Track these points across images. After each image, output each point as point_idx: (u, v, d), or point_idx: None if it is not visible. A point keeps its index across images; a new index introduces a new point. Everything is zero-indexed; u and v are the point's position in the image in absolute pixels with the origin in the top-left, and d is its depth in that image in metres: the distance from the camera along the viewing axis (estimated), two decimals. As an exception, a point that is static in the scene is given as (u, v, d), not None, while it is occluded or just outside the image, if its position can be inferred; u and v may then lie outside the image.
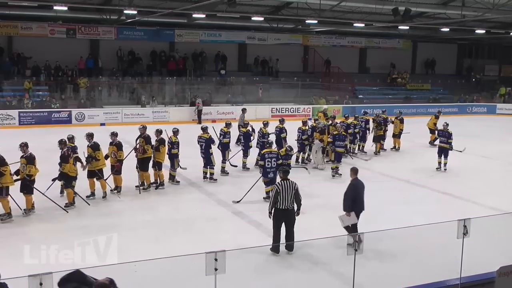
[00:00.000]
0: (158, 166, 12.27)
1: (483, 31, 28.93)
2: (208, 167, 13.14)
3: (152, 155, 12.15)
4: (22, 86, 24.34)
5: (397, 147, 18.12)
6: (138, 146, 12.04)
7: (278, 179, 9.24)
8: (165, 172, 12.61)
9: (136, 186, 12.05)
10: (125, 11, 21.65)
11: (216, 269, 5.55)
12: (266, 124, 15.10)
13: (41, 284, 4.87)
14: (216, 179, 13.20)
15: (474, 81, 37.27)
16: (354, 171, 9.02)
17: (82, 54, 26.91)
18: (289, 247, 8.28)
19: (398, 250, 8.15)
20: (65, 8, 21.34)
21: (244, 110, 18.99)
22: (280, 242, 8.23)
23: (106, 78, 27.06)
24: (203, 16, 23.56)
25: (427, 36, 33.57)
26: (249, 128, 14.96)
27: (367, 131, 17.40)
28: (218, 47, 30.29)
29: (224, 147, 13.90)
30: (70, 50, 26.46)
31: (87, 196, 11.09)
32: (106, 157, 11.53)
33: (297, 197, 8.32)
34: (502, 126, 25.84)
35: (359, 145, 17.31)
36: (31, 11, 23.98)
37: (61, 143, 10.58)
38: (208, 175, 13.17)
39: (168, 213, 10.59)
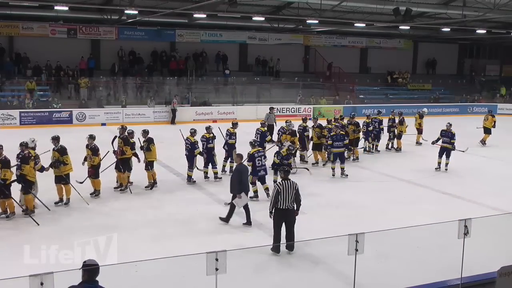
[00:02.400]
0: (150, 165, 12.15)
1: (484, 31, 28.90)
2: (211, 167, 13.10)
3: (144, 156, 12.07)
4: (23, 86, 24.39)
5: (397, 147, 18.03)
6: (116, 148, 11.84)
7: (278, 179, 9.26)
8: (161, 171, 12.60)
9: (114, 188, 11.96)
10: (126, 11, 21.68)
11: (217, 269, 5.54)
12: (289, 122, 15.36)
13: (42, 284, 4.86)
14: (221, 177, 13.20)
15: (478, 82, 37.10)
16: (240, 156, 9.93)
17: (83, 54, 26.95)
18: (290, 247, 8.28)
19: (399, 250, 8.15)
20: (66, 8, 21.37)
21: (271, 109, 19.04)
22: (281, 242, 8.23)
23: (107, 78, 27.07)
24: (204, 16, 23.57)
25: (428, 36, 33.58)
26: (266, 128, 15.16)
27: (381, 131, 17.51)
28: (219, 47, 30.32)
29: (230, 148, 13.77)
30: (71, 50, 26.51)
31: (55, 203, 10.62)
32: (85, 159, 11.32)
33: (297, 197, 8.32)
34: (503, 126, 25.73)
35: (373, 145, 17.49)
36: (32, 11, 24.03)
37: (22, 145, 10.01)
38: (211, 175, 13.13)
39: (168, 213, 10.58)
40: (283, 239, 8.28)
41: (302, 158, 15.33)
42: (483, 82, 37.19)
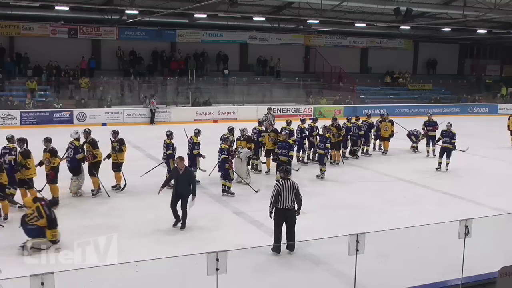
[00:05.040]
0: (120, 166, 11.87)
1: (484, 31, 28.89)
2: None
3: (115, 158, 11.79)
4: (24, 86, 24.42)
5: (383, 149, 17.41)
6: (86, 153, 11.44)
7: (278, 179, 9.25)
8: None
9: (92, 191, 11.56)
10: (127, 11, 21.67)
11: (217, 269, 5.55)
12: (303, 121, 15.45)
13: (42, 284, 4.87)
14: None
15: (483, 84, 36.87)
16: (181, 159, 9.82)
17: (83, 54, 26.96)
18: (290, 247, 8.27)
19: (399, 250, 8.14)
20: (67, 8, 21.39)
21: (269, 109, 19.11)
22: (281, 242, 8.23)
23: (107, 78, 27.08)
24: (205, 16, 23.56)
25: (428, 36, 33.56)
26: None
27: (369, 134, 17.18)
28: (219, 47, 30.32)
29: (259, 145, 13.79)
30: (71, 50, 26.50)
31: (19, 207, 10.07)
32: (41, 163, 10.78)
33: (298, 197, 8.31)
34: (504, 126, 25.72)
35: (362, 148, 17.09)
36: (33, 11, 24.04)
37: None
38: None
39: (168, 213, 10.51)
40: (283, 239, 8.28)
41: (254, 167, 14.19)
42: (488, 84, 36.65)
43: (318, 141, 14.15)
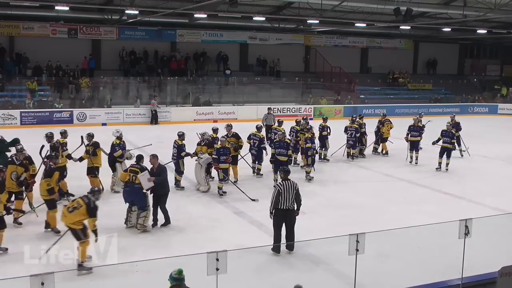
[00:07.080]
0: (96, 171, 11.48)
1: (484, 31, 28.90)
2: (257, 162, 13.62)
3: (89, 161, 11.45)
4: (24, 86, 24.42)
5: (384, 151, 17.16)
6: (43, 156, 10.74)
7: (279, 179, 9.26)
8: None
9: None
10: (127, 11, 21.68)
11: (217, 269, 5.56)
12: (307, 121, 15.40)
13: (42, 284, 4.87)
14: (262, 174, 13.66)
15: (487, 85, 36.73)
16: (154, 156, 9.77)
17: (83, 54, 26.94)
18: (290, 247, 8.29)
19: (399, 250, 8.15)
20: (67, 8, 21.42)
21: (269, 110, 19.02)
22: (281, 242, 8.23)
23: (107, 78, 27.08)
24: (205, 16, 23.57)
25: (428, 36, 33.58)
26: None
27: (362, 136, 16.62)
28: (219, 47, 30.32)
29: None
30: (71, 50, 26.49)
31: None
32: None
33: (298, 197, 8.32)
34: (504, 126, 25.79)
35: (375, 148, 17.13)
36: (33, 11, 24.07)
37: None
38: (256, 170, 13.68)
39: (169, 212, 10.55)
40: (283, 239, 8.28)
41: (256, 171, 13.76)
42: (494, 87, 35.98)
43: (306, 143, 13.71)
